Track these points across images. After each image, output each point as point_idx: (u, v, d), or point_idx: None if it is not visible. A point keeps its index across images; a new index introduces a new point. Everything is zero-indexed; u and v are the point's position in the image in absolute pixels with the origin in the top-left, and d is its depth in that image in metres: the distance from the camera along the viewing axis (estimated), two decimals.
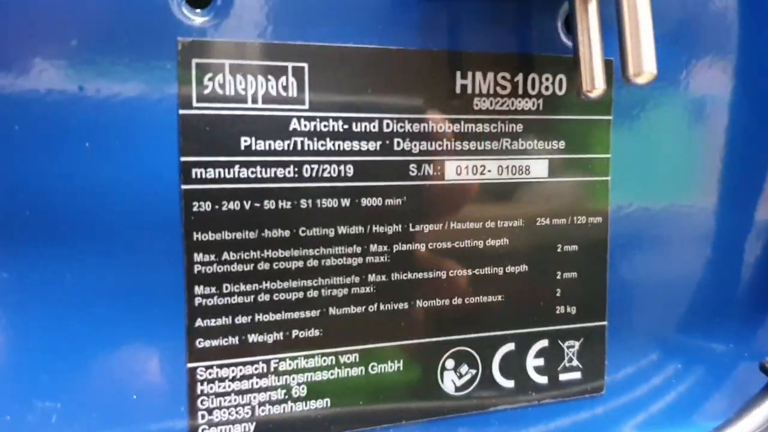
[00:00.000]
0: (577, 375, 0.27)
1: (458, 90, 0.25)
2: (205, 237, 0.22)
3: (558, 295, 0.27)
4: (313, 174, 0.23)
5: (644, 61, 0.21)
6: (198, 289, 0.22)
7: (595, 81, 0.23)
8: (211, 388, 0.23)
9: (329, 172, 0.23)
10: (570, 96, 0.26)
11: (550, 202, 0.26)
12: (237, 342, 0.23)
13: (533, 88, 0.26)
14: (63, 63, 0.20)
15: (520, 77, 0.25)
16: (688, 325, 0.29)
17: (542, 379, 0.27)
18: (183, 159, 0.22)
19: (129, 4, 0.21)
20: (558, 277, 0.27)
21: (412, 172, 0.24)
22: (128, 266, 0.22)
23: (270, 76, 0.22)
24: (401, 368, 0.25)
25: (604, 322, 0.28)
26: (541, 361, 0.27)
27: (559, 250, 0.27)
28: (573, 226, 0.27)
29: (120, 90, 0.21)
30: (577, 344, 0.27)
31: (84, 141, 0.21)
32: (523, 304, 0.26)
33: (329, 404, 0.24)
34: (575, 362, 0.27)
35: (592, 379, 0.28)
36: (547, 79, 0.26)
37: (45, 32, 0.20)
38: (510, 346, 0.26)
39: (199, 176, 0.22)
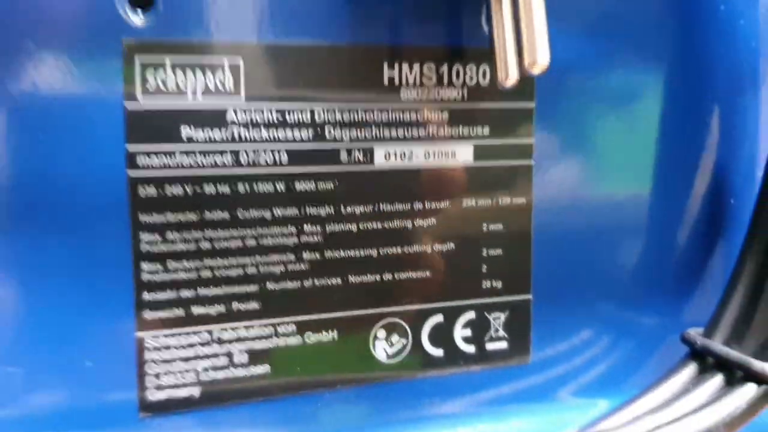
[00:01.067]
0: (503, 345, 0.30)
1: (386, 81, 0.27)
2: (150, 219, 0.25)
3: (484, 270, 0.29)
4: (250, 161, 0.25)
5: (538, 52, 0.23)
6: (145, 266, 0.25)
7: (509, 71, 0.25)
8: (159, 356, 0.25)
9: (265, 159, 0.26)
10: (493, 85, 0.28)
11: (475, 185, 0.28)
12: (182, 313, 0.25)
13: (458, 77, 0.28)
14: (19, 60, 0.23)
15: (445, 68, 0.28)
16: (615, 299, 0.32)
17: (470, 348, 0.29)
18: (129, 147, 0.24)
19: (80, 6, 0.23)
20: (484, 254, 0.29)
21: (343, 158, 0.27)
22: (82, 245, 0.24)
23: (208, 72, 0.25)
24: (335, 338, 0.27)
25: (529, 296, 0.30)
26: (468, 332, 0.29)
27: (484, 229, 0.29)
28: (498, 207, 0.29)
29: (71, 85, 0.23)
30: (502, 316, 0.30)
31: (38, 132, 0.23)
32: (451, 279, 0.29)
33: (269, 371, 0.27)
34: (501, 333, 0.30)
35: (519, 350, 0.30)
36: (471, 70, 0.28)
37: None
38: (438, 318, 0.29)
39: (143, 163, 0.24)
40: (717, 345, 0.29)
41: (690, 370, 0.29)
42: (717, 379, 0.28)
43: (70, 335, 0.24)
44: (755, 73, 0.32)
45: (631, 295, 0.32)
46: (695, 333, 0.30)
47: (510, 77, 0.25)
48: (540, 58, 0.23)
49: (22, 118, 0.23)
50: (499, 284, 0.29)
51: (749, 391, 0.27)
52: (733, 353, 0.28)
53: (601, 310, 0.32)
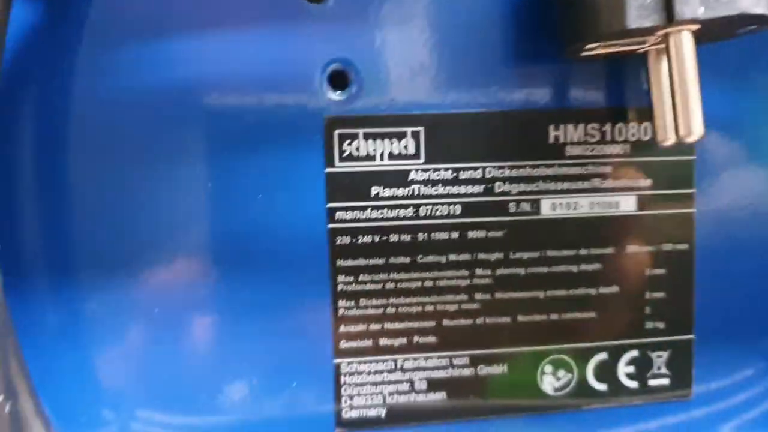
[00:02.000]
0: (665, 381, 0.31)
1: (551, 140, 0.30)
2: (346, 263, 0.29)
3: (647, 312, 0.31)
4: (428, 213, 0.29)
5: (693, 123, 0.25)
6: (341, 303, 0.29)
7: (667, 134, 0.28)
8: (352, 380, 0.30)
9: (441, 212, 0.29)
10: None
11: (638, 233, 0.30)
12: (371, 344, 0.30)
13: (620, 135, 0.30)
14: (240, 139, 0.28)
15: (608, 126, 0.30)
16: None
17: (632, 384, 0.31)
18: (329, 205, 0.29)
19: (290, 89, 0.28)
20: (647, 296, 0.31)
21: (512, 209, 0.30)
22: (293, 287, 0.29)
23: (393, 139, 0.29)
24: (506, 371, 0.30)
25: (691, 336, 0.31)
26: (632, 369, 0.31)
27: (647, 273, 0.31)
28: (661, 253, 0.31)
29: (284, 154, 0.28)
30: (665, 354, 0.31)
31: (258, 193, 0.28)
32: (615, 320, 0.31)
33: (445, 397, 0.30)
34: (664, 370, 0.31)
35: (680, 385, 0.32)
36: (633, 127, 0.30)
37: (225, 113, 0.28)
38: (603, 356, 0.31)
39: (341, 218, 0.29)
40: None
41: None
42: None
43: (281, 360, 0.29)
44: None
45: None
46: None
47: (668, 139, 0.27)
48: (694, 129, 0.25)
49: (246, 183, 0.28)
50: (661, 325, 0.31)
51: None
52: None
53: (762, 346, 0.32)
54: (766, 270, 0.32)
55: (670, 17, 0.24)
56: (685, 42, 0.25)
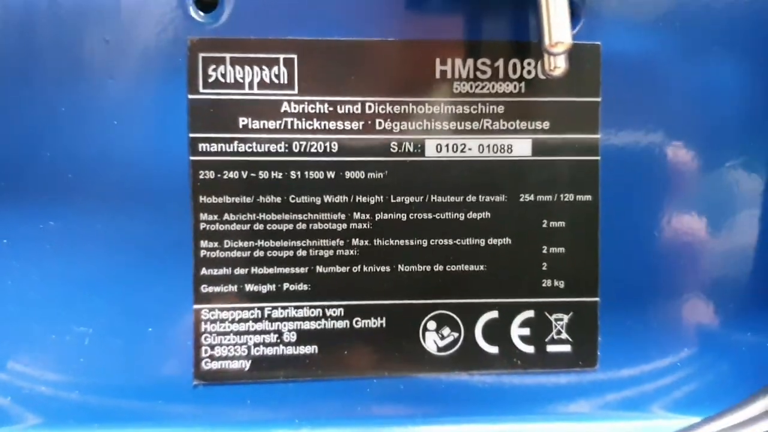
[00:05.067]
0: (566, 348, 0.29)
1: (438, 75, 0.27)
2: (209, 200, 0.27)
3: (544, 269, 0.28)
4: (302, 149, 0.27)
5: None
6: (203, 243, 0.27)
7: (556, 61, 0.25)
8: (213, 328, 0.27)
9: (316, 148, 0.27)
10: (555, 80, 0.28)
11: (534, 180, 0.28)
12: (236, 290, 0.27)
13: (514, 72, 0.28)
14: (97, 57, 0.26)
15: (500, 62, 0.28)
16: (693, 306, 0.29)
17: (528, 348, 0.28)
18: (191, 135, 0.27)
19: (153, 7, 0.26)
20: (544, 251, 0.28)
21: (393, 149, 0.27)
22: (147, 222, 0.27)
23: (264, 66, 0.27)
24: (384, 325, 0.28)
25: (596, 299, 0.28)
26: (526, 331, 0.28)
27: (544, 225, 0.28)
28: (560, 203, 0.28)
29: (141, 78, 0.26)
30: (566, 317, 0.28)
31: (113, 119, 0.26)
32: (507, 276, 0.28)
33: (317, 350, 0.28)
34: (564, 335, 0.28)
35: (584, 354, 0.29)
36: (528, 64, 0.28)
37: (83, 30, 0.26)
38: (493, 314, 0.28)
39: (204, 149, 0.27)
40: None
41: None
42: None
43: (134, 303, 0.27)
44: None
45: (712, 304, 0.29)
46: None
47: (558, 66, 0.25)
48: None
49: (100, 108, 0.26)
50: (561, 284, 0.28)
51: None
52: None
53: (675, 316, 0.29)
54: (677, 226, 0.29)
55: None
56: None
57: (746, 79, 0.28)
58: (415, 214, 0.28)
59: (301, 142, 0.27)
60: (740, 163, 0.29)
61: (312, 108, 0.27)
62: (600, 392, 0.29)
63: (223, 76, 0.27)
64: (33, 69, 0.26)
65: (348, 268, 0.28)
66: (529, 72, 0.28)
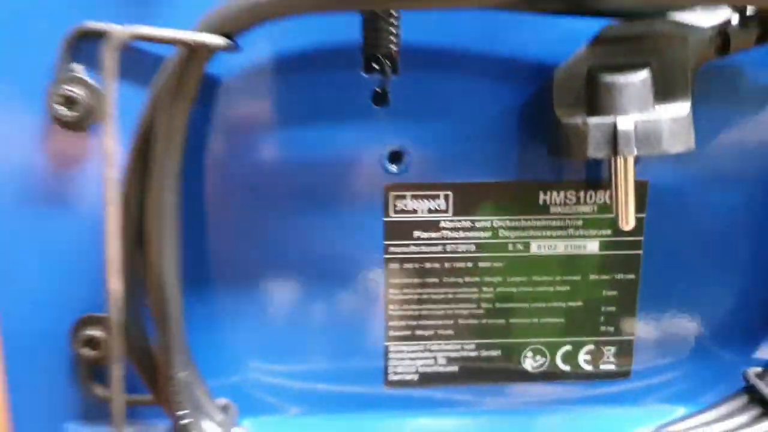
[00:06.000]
0: (612, 367, 0.46)
1: (540, 202, 0.43)
2: (395, 280, 0.43)
3: (601, 320, 0.45)
4: (452, 249, 0.43)
5: (628, 218, 0.38)
6: (391, 307, 0.44)
7: (628, 219, 0.40)
8: (396, 355, 0.45)
9: (460, 249, 0.43)
10: None
11: (598, 266, 0.44)
12: (410, 333, 0.44)
13: (590, 199, 0.43)
14: (328, 192, 0.42)
15: (582, 193, 0.43)
16: (705, 335, 0.46)
17: (589, 368, 0.46)
18: (385, 242, 0.43)
19: (364, 162, 0.42)
20: (602, 310, 0.45)
21: (510, 247, 0.43)
22: (357, 294, 0.43)
23: (430, 199, 0.42)
24: (500, 354, 0.45)
25: (632, 337, 0.45)
26: (588, 357, 0.45)
27: (603, 294, 0.44)
28: (613, 280, 0.44)
29: (356, 206, 0.42)
30: (613, 349, 0.45)
31: (336, 231, 0.42)
32: (577, 324, 0.45)
33: (457, 369, 0.45)
34: (612, 359, 0.45)
35: (623, 370, 0.46)
36: (600, 195, 0.43)
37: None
38: (568, 347, 0.45)
39: (392, 251, 0.43)
40: (762, 385, 0.43)
41: (742, 399, 0.44)
42: (755, 411, 0.42)
43: (350, 337, 0.44)
44: None
45: (723, 333, 0.46)
46: (753, 372, 0.44)
47: (629, 224, 0.40)
48: (630, 222, 0.38)
49: (326, 225, 0.42)
50: (611, 329, 0.45)
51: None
52: None
53: (695, 344, 0.46)
54: (701, 285, 0.45)
55: (615, 151, 0.36)
56: (627, 165, 0.37)
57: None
58: (522, 288, 0.44)
59: (451, 245, 0.43)
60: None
61: (459, 224, 0.43)
62: (633, 394, 0.46)
63: (405, 206, 0.42)
64: (288, 206, 0.42)
65: (478, 320, 0.44)
66: (599, 199, 0.43)
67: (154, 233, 0.36)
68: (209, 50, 0.34)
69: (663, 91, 0.36)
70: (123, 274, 0.34)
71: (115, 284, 0.34)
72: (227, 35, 0.34)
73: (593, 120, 0.36)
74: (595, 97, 0.36)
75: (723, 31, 0.37)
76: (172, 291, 0.37)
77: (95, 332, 0.41)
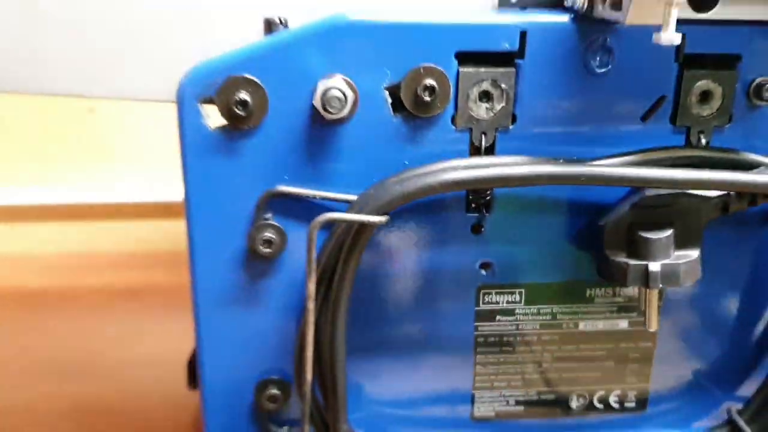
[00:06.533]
0: (633, 404, 0.64)
1: (587, 295, 0.60)
2: (482, 350, 0.61)
3: (627, 374, 0.62)
4: (522, 328, 0.60)
5: (653, 323, 0.55)
6: (479, 368, 0.61)
7: (653, 324, 0.57)
8: (480, 400, 0.62)
9: (529, 327, 0.60)
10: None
11: (626, 338, 0.61)
12: (489, 384, 0.62)
13: (622, 293, 0.60)
14: (436, 296, 0.59)
15: (616, 290, 0.60)
16: (706, 379, 0.64)
17: (616, 405, 0.63)
18: (476, 323, 0.60)
19: (461, 274, 0.58)
20: (627, 368, 0.62)
21: (564, 326, 0.61)
22: (452, 358, 0.61)
23: (509, 294, 0.59)
24: (552, 397, 0.63)
25: (648, 385, 0.63)
26: (616, 398, 0.63)
27: (629, 356, 0.62)
28: (638, 347, 0.62)
29: (459, 301, 0.59)
30: (635, 392, 0.63)
31: (443, 318, 0.59)
32: (608, 377, 0.62)
33: (523, 408, 0.63)
34: (633, 398, 0.63)
35: (640, 406, 0.64)
36: (627, 290, 0.60)
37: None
38: (601, 391, 0.63)
39: (481, 329, 0.60)
40: (740, 421, 0.61)
41: (723, 430, 0.62)
42: None
43: (446, 386, 0.62)
44: None
45: (718, 378, 0.64)
46: (734, 408, 0.62)
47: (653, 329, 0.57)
48: (653, 325, 0.55)
49: (436, 310, 0.59)
50: (634, 380, 0.63)
51: None
52: (746, 429, 0.60)
53: (698, 384, 0.64)
54: (690, 353, 0.62)
55: (647, 286, 0.53)
56: (654, 295, 0.54)
57: None
58: (571, 353, 0.61)
59: (522, 325, 0.60)
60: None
61: (528, 311, 0.60)
62: (646, 421, 0.65)
63: (491, 299, 0.59)
64: (412, 300, 0.58)
65: (539, 375, 0.62)
66: (627, 292, 0.60)
67: (330, 337, 0.53)
68: (376, 225, 0.50)
69: (681, 242, 0.53)
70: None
71: (308, 374, 0.52)
72: (386, 213, 0.50)
73: (632, 262, 0.53)
74: (634, 246, 0.53)
75: (724, 200, 0.53)
76: (341, 368, 0.55)
77: (274, 391, 0.58)
